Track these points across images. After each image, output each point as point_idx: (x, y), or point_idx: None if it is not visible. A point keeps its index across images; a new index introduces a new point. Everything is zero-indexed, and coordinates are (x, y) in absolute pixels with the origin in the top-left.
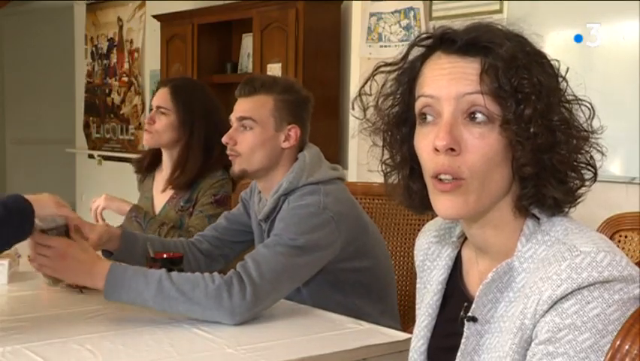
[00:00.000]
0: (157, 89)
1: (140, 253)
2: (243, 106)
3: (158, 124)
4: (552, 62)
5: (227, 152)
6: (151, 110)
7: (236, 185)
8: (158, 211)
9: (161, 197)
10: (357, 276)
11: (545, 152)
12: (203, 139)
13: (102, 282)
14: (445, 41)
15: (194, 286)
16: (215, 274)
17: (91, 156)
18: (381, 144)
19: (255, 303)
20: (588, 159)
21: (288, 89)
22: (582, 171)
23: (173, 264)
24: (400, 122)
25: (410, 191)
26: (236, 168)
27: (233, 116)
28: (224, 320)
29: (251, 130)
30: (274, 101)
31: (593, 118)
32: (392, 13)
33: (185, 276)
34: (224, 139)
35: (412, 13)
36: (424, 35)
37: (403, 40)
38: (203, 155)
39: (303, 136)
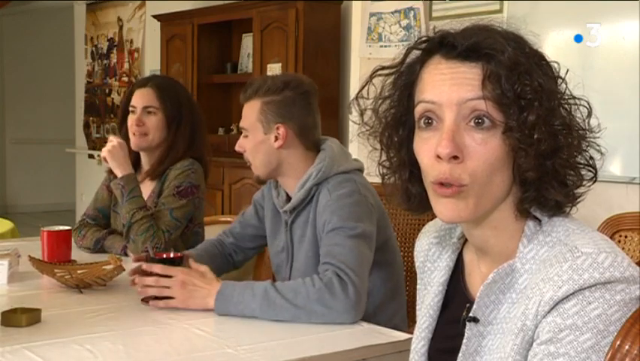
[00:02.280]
0: (132, 91)
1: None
2: (242, 114)
3: (148, 124)
4: (551, 63)
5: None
6: (127, 113)
7: (207, 174)
8: None
9: None
10: (378, 272)
11: (548, 157)
12: (189, 134)
13: (213, 300)
14: (444, 46)
15: (296, 293)
16: (315, 277)
17: (91, 156)
18: (379, 147)
19: (358, 299)
20: (588, 158)
21: (274, 90)
22: (582, 171)
23: (173, 264)
24: (399, 124)
25: (409, 194)
26: (254, 175)
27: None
28: (332, 321)
29: (246, 138)
30: (260, 104)
31: (590, 117)
32: (392, 13)
33: (287, 284)
34: (237, 148)
35: (412, 13)
36: (422, 39)
37: (403, 41)
38: (187, 148)
39: (300, 131)
